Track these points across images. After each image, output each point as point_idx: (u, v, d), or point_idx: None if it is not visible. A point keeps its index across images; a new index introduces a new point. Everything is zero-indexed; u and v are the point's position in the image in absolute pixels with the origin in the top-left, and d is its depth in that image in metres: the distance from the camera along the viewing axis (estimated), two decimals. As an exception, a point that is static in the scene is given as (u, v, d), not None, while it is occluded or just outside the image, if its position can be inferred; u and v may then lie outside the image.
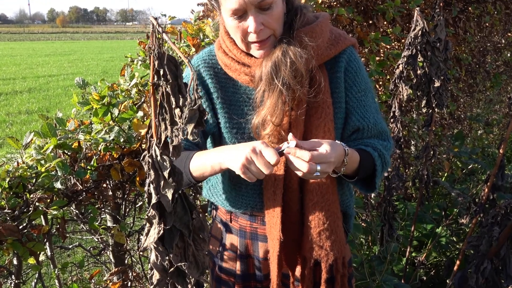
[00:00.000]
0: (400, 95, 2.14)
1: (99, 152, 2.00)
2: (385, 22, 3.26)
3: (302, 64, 1.40)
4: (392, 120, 2.23)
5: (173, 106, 0.90)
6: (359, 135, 1.54)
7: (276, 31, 1.41)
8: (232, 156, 1.31)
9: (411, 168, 4.62)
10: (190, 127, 0.87)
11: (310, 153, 1.25)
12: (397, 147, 2.25)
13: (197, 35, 2.39)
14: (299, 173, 1.29)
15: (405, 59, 2.06)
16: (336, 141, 1.37)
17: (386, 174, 2.39)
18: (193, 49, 2.25)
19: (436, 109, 2.24)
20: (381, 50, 3.45)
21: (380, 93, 3.56)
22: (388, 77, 3.57)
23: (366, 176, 1.52)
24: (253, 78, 1.47)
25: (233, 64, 1.49)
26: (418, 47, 2.07)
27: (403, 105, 4.20)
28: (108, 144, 1.99)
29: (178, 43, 2.42)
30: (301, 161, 1.26)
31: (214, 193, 1.66)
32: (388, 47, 3.48)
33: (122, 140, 2.01)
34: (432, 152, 2.67)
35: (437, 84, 2.17)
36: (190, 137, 0.87)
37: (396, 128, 2.22)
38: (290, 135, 1.30)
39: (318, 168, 1.26)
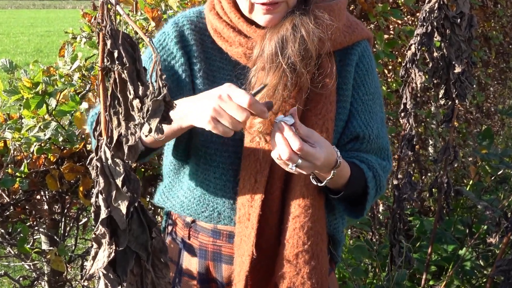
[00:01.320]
0: (412, 83, 2.20)
1: (31, 155, 2.01)
2: (395, -9, 3.33)
3: (314, 44, 1.47)
4: (402, 114, 2.29)
5: (131, 97, 0.93)
6: (357, 145, 1.62)
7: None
8: (195, 110, 1.36)
9: (428, 174, 4.73)
10: (154, 122, 0.90)
11: (301, 144, 1.32)
12: (410, 148, 2.30)
13: (158, 6, 2.42)
14: (274, 154, 1.36)
15: (418, 39, 2.12)
16: (333, 147, 1.45)
17: (396, 182, 2.45)
18: (152, 23, 2.28)
19: (457, 101, 2.31)
20: (391, 26, 3.52)
21: (389, 80, 3.64)
22: (400, 59, 3.64)
23: (353, 197, 1.59)
24: (249, 53, 1.53)
25: (226, 30, 1.54)
26: (434, 24, 2.13)
27: (418, 95, 4.29)
28: (43, 145, 2.00)
29: (133, 16, 2.44)
30: (285, 144, 1.33)
31: (171, 196, 1.70)
32: (400, 22, 3.54)
33: (61, 139, 2.02)
34: (453, 154, 2.73)
35: (458, 69, 2.23)
36: (154, 135, 0.90)
37: (407, 124, 2.28)
38: (293, 110, 1.37)
39: (299, 161, 1.35)
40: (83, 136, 2.05)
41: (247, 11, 1.49)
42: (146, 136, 0.95)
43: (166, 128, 1.39)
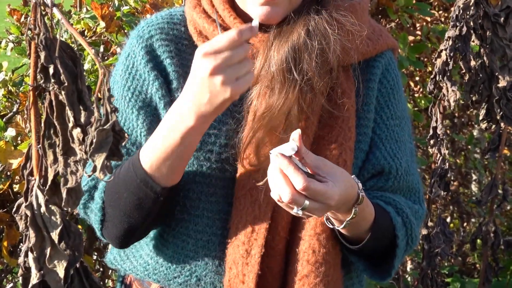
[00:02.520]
0: (444, 100, 2.24)
1: None
2: (422, -21, 3.39)
3: (337, 55, 1.51)
4: (432, 141, 2.31)
5: (70, 125, 0.96)
6: (381, 183, 1.65)
7: None
8: (194, 85, 1.37)
9: (471, 220, 4.75)
10: (99, 159, 0.92)
11: (306, 182, 1.32)
12: (442, 186, 2.33)
13: (109, 0, 2.44)
14: (274, 196, 1.36)
15: (450, 43, 2.15)
16: (353, 177, 1.46)
17: (426, 232, 2.48)
18: (102, 23, 2.31)
19: (502, 124, 2.34)
20: (417, 25, 3.58)
21: (416, 95, 3.69)
22: (430, 68, 3.69)
23: (377, 250, 1.61)
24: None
25: (217, 33, 1.56)
26: (471, 24, 2.16)
27: (455, 115, 4.31)
28: (-45, 185, 2.00)
29: (77, 13, 2.47)
30: (286, 182, 1.32)
31: (131, 255, 1.69)
32: (429, 19, 3.60)
33: (-21, 177, 2.03)
34: (502, 194, 2.76)
35: (502, 83, 2.26)
36: (100, 176, 0.92)
37: (439, 154, 2.31)
38: (296, 133, 1.36)
39: (306, 203, 1.33)
40: (8, 173, 2.05)
41: (243, 1, 1.54)
42: (90, 176, 0.96)
43: (177, 138, 1.41)
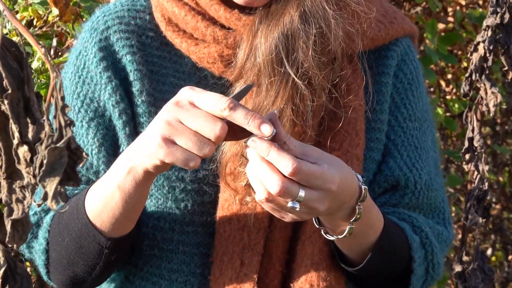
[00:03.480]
0: (482, 104, 2.25)
1: None
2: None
3: (339, 42, 1.51)
4: (468, 155, 2.33)
5: (15, 142, 0.96)
6: (395, 199, 1.66)
7: None
8: (141, 139, 1.36)
9: (518, 253, 4.77)
10: (51, 184, 0.92)
11: (296, 162, 1.28)
12: (480, 211, 2.34)
13: (64, -19, 2.46)
14: (260, 195, 1.31)
15: (489, 34, 2.17)
16: (350, 169, 1.43)
17: (460, 269, 2.48)
18: (55, 10, 2.32)
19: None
20: (449, 10, 3.60)
21: (448, 97, 3.70)
22: (465, 64, 3.71)
23: (387, 276, 1.62)
24: (228, 55, 1.56)
25: (190, 18, 1.57)
26: (515, 10, 2.17)
27: (497, 121, 4.31)
28: None
29: (23, -1, 2.49)
30: (272, 170, 1.28)
31: None
32: (463, 2, 3.63)
33: None
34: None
35: (554, 83, 2.28)
36: (51, 205, 0.92)
37: (476, 172, 2.32)
38: (271, 115, 1.32)
39: (301, 194, 1.29)
40: None
41: None
42: (39, 205, 0.96)
43: (117, 193, 1.41)
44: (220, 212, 1.55)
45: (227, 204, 1.54)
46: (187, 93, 1.31)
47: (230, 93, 1.53)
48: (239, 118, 1.26)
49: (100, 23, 1.64)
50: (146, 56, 1.61)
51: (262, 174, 1.28)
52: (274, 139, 1.29)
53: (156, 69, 1.61)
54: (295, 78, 1.47)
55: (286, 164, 1.26)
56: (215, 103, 1.26)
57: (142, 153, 1.35)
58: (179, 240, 1.58)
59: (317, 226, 1.49)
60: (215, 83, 1.60)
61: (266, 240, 1.54)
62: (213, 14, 1.56)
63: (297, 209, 1.30)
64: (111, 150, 1.60)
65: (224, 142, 1.47)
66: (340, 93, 1.55)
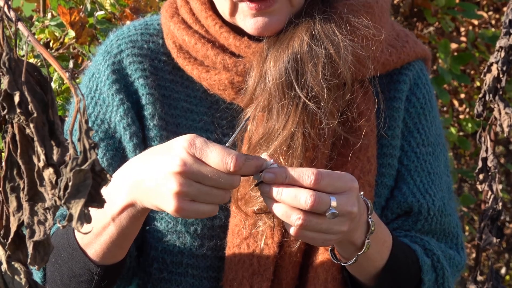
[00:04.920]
0: (496, 125, 2.26)
1: None
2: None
3: (348, 66, 1.51)
4: (481, 176, 2.33)
5: (40, 164, 0.98)
6: (408, 224, 1.66)
7: None
8: (155, 186, 1.31)
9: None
10: (76, 206, 0.93)
11: (316, 170, 1.29)
12: (495, 231, 2.34)
13: (80, 3, 2.47)
14: (296, 222, 1.30)
15: (502, 54, 2.17)
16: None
17: (474, 288, 2.49)
18: (71, 33, 2.34)
19: None
20: (462, 30, 3.60)
21: (461, 117, 3.70)
22: (478, 83, 3.71)
23: None
24: (238, 82, 1.57)
25: (200, 46, 1.59)
26: (528, 30, 2.18)
27: (511, 140, 4.30)
28: None
29: (41, 19, 2.50)
30: (299, 189, 1.28)
31: None
32: (476, 22, 3.63)
33: None
34: None
35: None
36: (77, 226, 0.93)
37: (490, 192, 2.32)
38: (264, 155, 1.35)
39: (333, 202, 1.29)
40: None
41: (228, 14, 1.55)
42: (64, 227, 0.97)
43: (110, 227, 1.41)
44: (230, 237, 1.55)
45: (237, 229, 1.55)
46: (189, 148, 1.29)
47: (237, 126, 1.55)
48: (248, 171, 1.29)
49: (113, 47, 1.66)
50: (159, 80, 1.63)
51: (291, 196, 1.29)
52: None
53: (168, 93, 1.63)
54: (306, 101, 1.48)
55: (307, 174, 1.28)
56: (221, 164, 1.26)
57: (150, 197, 1.34)
58: (189, 263, 1.59)
59: (335, 261, 1.50)
60: (227, 108, 1.61)
61: (276, 266, 1.54)
62: (223, 42, 1.58)
63: (337, 214, 1.30)
64: None
65: None
66: (351, 118, 1.56)
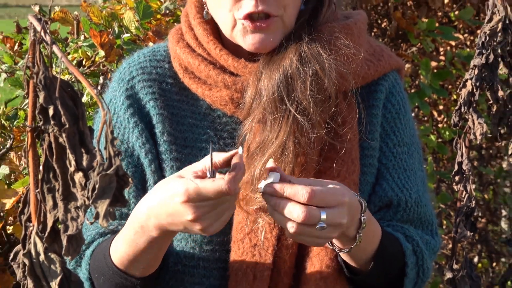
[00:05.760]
0: (470, 133, 2.25)
1: None
2: (445, 1, 3.43)
3: (332, 81, 1.53)
4: (457, 177, 2.32)
5: (71, 169, 0.98)
6: (389, 215, 1.67)
7: (287, 12, 1.54)
8: (169, 215, 1.36)
9: (501, 260, 4.74)
10: (102, 205, 0.94)
11: (309, 188, 1.33)
12: (469, 225, 2.33)
13: (109, 27, 2.48)
14: (289, 228, 1.35)
15: (476, 72, 2.17)
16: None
17: (450, 275, 2.47)
18: (101, 52, 2.35)
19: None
20: (441, 50, 3.61)
21: (440, 126, 3.71)
22: (455, 96, 3.72)
23: (382, 282, 1.63)
24: (237, 97, 1.58)
25: (204, 67, 1.59)
26: (498, 51, 2.18)
27: (483, 146, 4.32)
28: None
29: (75, 41, 2.51)
30: (292, 203, 1.33)
31: None
32: (453, 43, 3.64)
33: (-30, 218, 2.05)
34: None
35: (533, 114, 2.28)
36: (102, 222, 0.94)
37: (464, 192, 2.31)
38: (270, 163, 1.39)
39: (323, 215, 1.33)
40: (1, 213, 2.08)
41: (229, 30, 1.56)
42: (92, 223, 0.98)
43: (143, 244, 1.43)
44: (235, 232, 1.57)
45: (240, 225, 1.56)
46: (188, 185, 1.32)
47: (247, 146, 1.56)
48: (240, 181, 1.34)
49: (126, 74, 1.67)
50: (167, 101, 1.64)
51: (286, 210, 1.33)
52: (281, 181, 1.36)
53: (176, 111, 1.64)
54: (296, 114, 1.50)
55: (302, 193, 1.32)
56: (218, 193, 1.30)
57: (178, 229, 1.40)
58: (200, 257, 1.60)
59: (330, 247, 1.52)
60: (227, 121, 1.63)
61: (274, 257, 1.55)
62: (223, 63, 1.59)
63: (326, 227, 1.34)
64: (140, 185, 1.63)
65: None
66: (336, 125, 1.58)
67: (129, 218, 1.46)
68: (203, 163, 1.36)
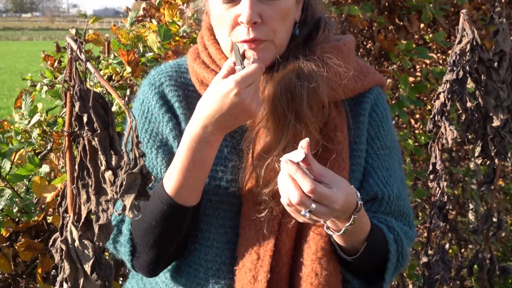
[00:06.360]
0: (442, 138, 2.26)
1: (-21, 229, 2.04)
2: (421, 25, 3.43)
3: (325, 95, 1.56)
4: (431, 176, 2.33)
5: (102, 168, 0.99)
6: (374, 207, 1.68)
7: (277, 36, 1.57)
8: (226, 109, 1.44)
9: (469, 246, 4.74)
10: (128, 199, 0.95)
11: (313, 185, 1.35)
12: (441, 217, 2.33)
13: (135, 47, 2.49)
14: (284, 200, 1.39)
15: (448, 86, 2.18)
16: (352, 186, 1.48)
17: (426, 260, 2.47)
18: (128, 69, 2.35)
19: (496, 160, 2.35)
20: (417, 67, 3.61)
21: (417, 132, 3.71)
22: (429, 107, 3.72)
23: (368, 268, 1.63)
24: None
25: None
26: (467, 68, 2.19)
27: (453, 149, 4.33)
28: (-6, 217, 2.03)
29: (105, 59, 2.52)
30: (295, 186, 1.36)
31: (148, 283, 1.73)
32: (427, 62, 3.64)
33: (16, 209, 2.05)
34: (498, 223, 2.76)
35: (496, 122, 2.28)
36: (129, 214, 0.95)
37: (438, 189, 2.32)
38: (304, 142, 1.41)
39: (313, 206, 1.36)
40: (43, 206, 2.08)
41: (229, 51, 1.60)
42: (120, 214, 0.98)
43: (198, 155, 1.49)
44: (243, 219, 1.59)
45: (247, 214, 1.58)
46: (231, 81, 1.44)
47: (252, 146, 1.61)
48: None
49: (156, 80, 1.70)
50: (189, 104, 1.66)
51: (288, 187, 1.36)
52: (303, 160, 1.38)
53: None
54: (295, 123, 1.53)
55: (306, 184, 1.34)
56: (257, 71, 1.45)
57: (217, 112, 1.46)
58: (214, 238, 1.62)
59: (328, 232, 1.53)
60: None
61: (276, 240, 1.56)
62: None
63: (307, 217, 1.37)
64: None
65: (245, 172, 1.58)
66: (329, 131, 1.60)
67: (179, 147, 1.52)
68: (223, 72, 1.48)
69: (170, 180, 1.52)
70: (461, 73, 2.19)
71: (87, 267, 1.04)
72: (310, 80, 1.53)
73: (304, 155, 1.37)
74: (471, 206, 4.88)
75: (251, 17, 1.50)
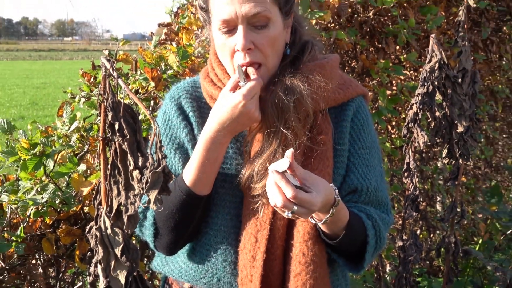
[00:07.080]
0: (415, 142, 2.26)
1: (27, 218, 2.04)
2: (397, 47, 3.42)
3: (309, 105, 1.57)
4: (406, 174, 2.33)
5: (131, 167, 0.98)
6: (355, 198, 1.67)
7: (268, 60, 1.59)
8: (235, 118, 1.50)
9: (436, 232, 4.73)
10: (153, 194, 0.95)
11: (295, 192, 1.37)
12: (414, 208, 2.34)
13: (157, 65, 2.49)
14: (271, 202, 1.41)
15: (419, 98, 2.19)
16: (331, 185, 1.50)
17: (401, 243, 2.47)
18: (152, 83, 2.35)
19: (460, 160, 2.35)
20: (394, 82, 3.60)
21: (393, 136, 3.70)
22: (403, 115, 3.70)
23: (352, 248, 1.63)
24: None
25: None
26: (436, 83, 2.20)
27: (423, 151, 4.34)
28: (40, 208, 2.03)
29: (133, 75, 2.52)
30: (279, 192, 1.39)
31: (170, 261, 1.75)
32: (402, 78, 3.63)
33: (58, 201, 2.05)
34: (461, 213, 2.76)
35: (460, 128, 2.29)
36: (153, 207, 0.94)
37: (411, 184, 2.32)
38: (289, 152, 1.41)
39: (294, 208, 1.39)
40: (80, 198, 2.08)
41: (232, 71, 1.61)
42: (145, 207, 0.98)
43: (211, 154, 1.54)
44: (244, 209, 1.61)
45: (247, 204, 1.60)
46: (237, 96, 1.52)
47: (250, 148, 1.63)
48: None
49: (175, 94, 1.73)
50: (201, 114, 1.69)
51: (274, 193, 1.39)
52: (289, 167, 1.39)
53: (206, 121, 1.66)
54: (283, 130, 1.55)
55: (288, 192, 1.37)
56: (259, 85, 1.54)
57: (228, 115, 1.52)
58: (221, 224, 1.64)
59: (312, 221, 1.55)
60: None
61: (271, 226, 1.58)
62: None
63: (290, 216, 1.40)
64: None
65: (244, 169, 1.60)
66: (314, 134, 1.61)
67: (197, 148, 1.56)
68: (229, 86, 1.55)
69: (189, 174, 1.56)
70: (430, 87, 2.19)
71: (118, 251, 1.03)
72: (295, 93, 1.55)
73: (288, 164, 1.39)
74: (438, 198, 4.87)
75: (245, 45, 1.53)
